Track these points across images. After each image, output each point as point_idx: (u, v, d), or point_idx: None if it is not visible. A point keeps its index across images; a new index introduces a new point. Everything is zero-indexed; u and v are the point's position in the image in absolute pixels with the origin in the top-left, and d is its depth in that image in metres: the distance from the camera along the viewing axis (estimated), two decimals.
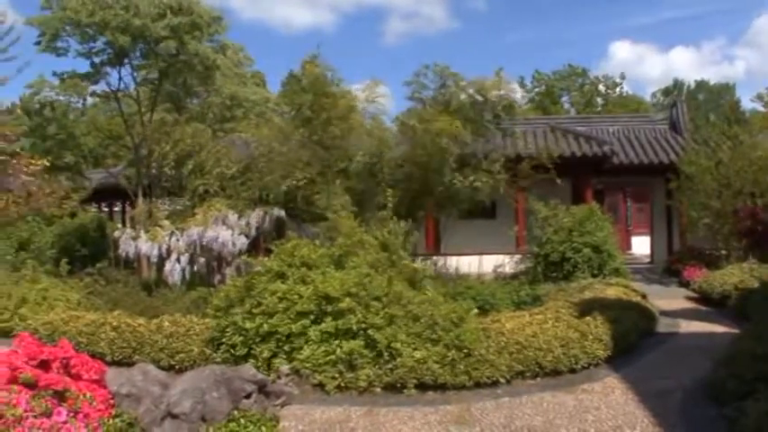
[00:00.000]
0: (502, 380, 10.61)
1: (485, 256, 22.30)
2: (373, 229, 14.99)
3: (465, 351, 10.59)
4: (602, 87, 79.45)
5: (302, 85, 21.35)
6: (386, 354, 10.55)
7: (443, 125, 19.54)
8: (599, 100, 78.01)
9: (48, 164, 14.99)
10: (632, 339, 12.82)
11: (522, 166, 21.30)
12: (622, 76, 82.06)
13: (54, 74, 31.34)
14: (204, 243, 18.03)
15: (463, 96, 21.89)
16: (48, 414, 4.21)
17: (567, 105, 77.29)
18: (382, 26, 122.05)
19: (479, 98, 21.98)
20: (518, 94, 24.07)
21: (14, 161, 14.55)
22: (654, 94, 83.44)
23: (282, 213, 19.92)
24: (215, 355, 11.57)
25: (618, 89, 79.31)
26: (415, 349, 10.56)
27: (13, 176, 15.76)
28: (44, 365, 6.43)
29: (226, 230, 18.08)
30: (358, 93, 21.61)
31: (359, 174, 20.48)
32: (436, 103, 21.73)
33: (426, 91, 22.26)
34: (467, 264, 21.57)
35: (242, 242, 18.16)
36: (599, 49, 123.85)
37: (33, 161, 15.12)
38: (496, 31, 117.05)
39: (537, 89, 78.72)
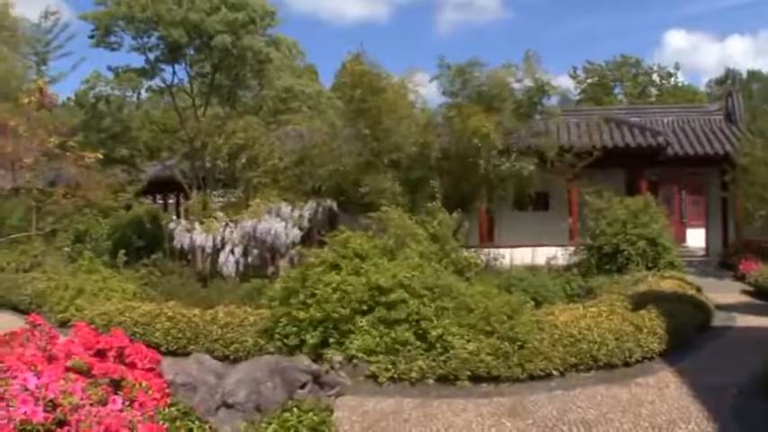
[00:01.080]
0: (555, 372, 10.57)
1: (538, 248, 22.18)
2: (424, 219, 14.96)
3: (519, 343, 10.57)
4: (655, 77, 77.97)
5: (347, 81, 21.35)
6: (437, 345, 10.55)
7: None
8: (653, 90, 76.68)
9: (101, 157, 15.18)
10: (687, 333, 12.65)
11: (572, 156, 21.03)
12: (677, 66, 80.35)
13: (109, 68, 31.72)
14: (258, 235, 18.16)
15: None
16: (104, 402, 4.24)
17: (620, 96, 76.15)
18: (435, 16, 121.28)
19: (517, 85, 21.66)
20: (569, 85, 23.51)
21: (68, 154, 14.77)
22: (708, 84, 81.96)
23: (334, 205, 19.98)
24: (269, 345, 11.66)
25: (672, 79, 77.82)
26: (468, 341, 10.57)
27: (66, 169, 16.01)
28: (100, 355, 6.49)
29: (279, 222, 18.19)
30: (407, 84, 21.52)
31: (409, 164, 20.43)
32: (473, 98, 21.41)
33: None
34: (520, 256, 21.47)
35: (295, 234, 18.26)
36: (653, 38, 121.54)
37: (87, 154, 15.34)
38: (549, 21, 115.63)
39: (589, 80, 77.65)
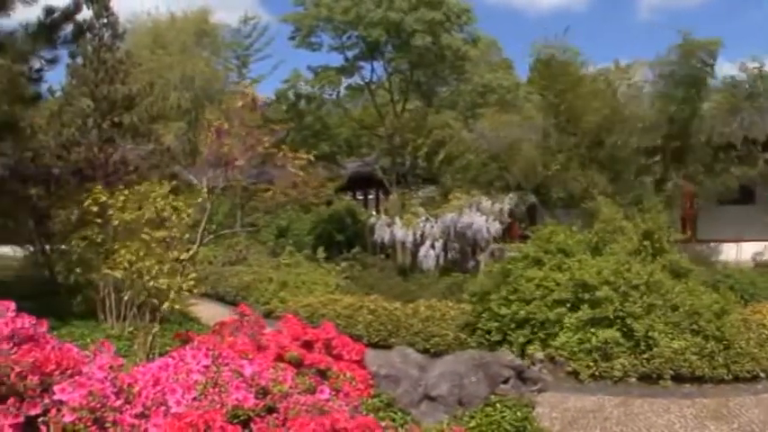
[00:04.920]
0: (762, 374, 10.11)
1: (742, 244, 21.02)
2: (632, 215, 14.41)
3: (725, 343, 10.15)
4: None
5: (544, 72, 20.97)
6: (642, 343, 10.23)
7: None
8: None
9: (312, 159, 15.65)
10: None
11: None
12: None
13: (309, 68, 32.70)
14: (458, 229, 18.15)
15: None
16: (311, 391, 4.22)
17: None
18: (635, 1, 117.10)
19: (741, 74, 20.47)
20: None
21: (280, 154, 15.25)
22: None
23: (535, 199, 19.65)
24: (469, 340, 11.61)
25: None
26: (672, 339, 10.21)
27: (279, 168, 16.50)
28: (307, 345, 6.57)
29: (479, 216, 18.08)
30: (608, 74, 20.90)
31: (612, 158, 19.81)
32: (686, 82, 20.34)
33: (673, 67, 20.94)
34: (723, 251, 20.45)
35: (495, 228, 18.10)
36: None
37: (300, 156, 15.80)
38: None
39: None
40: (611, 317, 10.54)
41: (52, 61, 14.23)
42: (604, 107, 19.84)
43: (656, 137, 19.91)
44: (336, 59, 30.79)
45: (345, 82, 33.14)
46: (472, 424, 7.11)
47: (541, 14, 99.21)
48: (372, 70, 30.14)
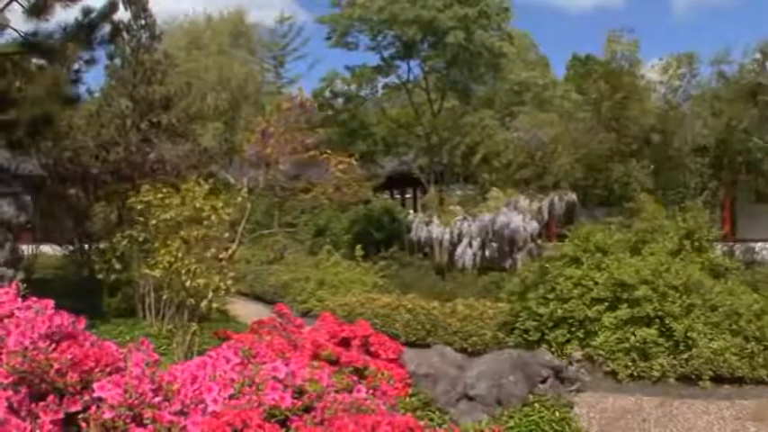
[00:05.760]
0: None
1: None
2: (673, 214, 14.28)
3: (765, 343, 10.04)
4: None
5: (589, 68, 20.87)
6: (681, 344, 10.14)
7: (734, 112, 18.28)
8: None
9: (355, 162, 15.74)
10: None
11: None
12: None
13: (346, 67, 32.78)
14: (496, 228, 18.10)
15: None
16: (348, 390, 4.23)
17: None
18: None
19: None
20: None
21: (322, 156, 15.36)
22: None
23: (573, 197, 19.54)
24: (508, 339, 11.58)
25: None
26: (711, 339, 10.11)
27: (319, 168, 16.58)
28: (344, 344, 6.58)
29: (517, 215, 18.02)
30: (649, 72, 20.77)
31: (653, 155, 19.63)
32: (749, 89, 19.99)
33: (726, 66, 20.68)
34: (761, 250, 20.17)
35: (533, 227, 18.04)
36: None
37: (344, 159, 15.88)
38: None
39: None
40: (650, 316, 10.46)
41: (90, 62, 14.39)
42: (646, 106, 19.72)
43: (708, 138, 19.68)
44: (373, 59, 30.89)
45: (382, 81, 33.22)
46: (510, 424, 7.13)
47: (579, 12, 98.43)
48: (409, 69, 30.18)
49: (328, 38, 29.35)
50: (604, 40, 21.07)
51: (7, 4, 12.58)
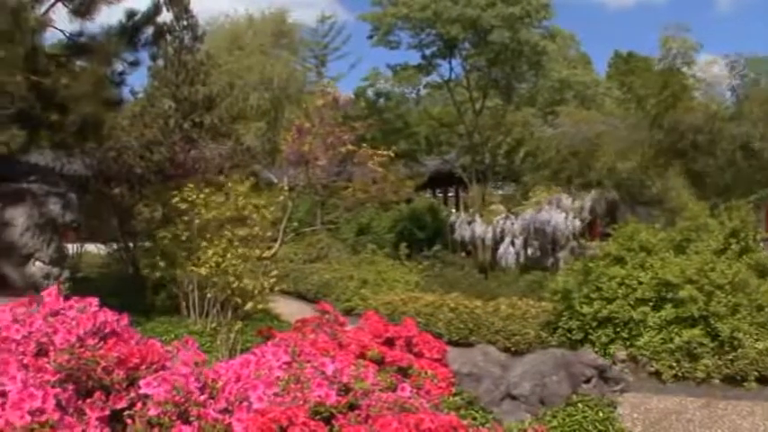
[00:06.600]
0: None
1: None
2: (718, 213, 14.10)
3: None
4: None
5: (632, 66, 20.71)
6: (727, 344, 10.01)
7: None
8: None
9: (393, 155, 15.70)
10: None
11: None
12: None
13: (388, 66, 32.83)
14: (538, 226, 18.05)
15: None
16: (393, 389, 4.23)
17: None
18: None
19: None
20: None
21: (360, 151, 15.36)
22: None
23: (616, 196, 19.38)
24: (551, 338, 11.51)
25: None
26: (757, 340, 9.98)
27: (359, 166, 16.62)
28: (388, 343, 6.58)
29: (559, 214, 17.92)
30: (694, 70, 20.55)
31: (694, 155, 19.39)
32: None
33: None
34: None
35: (576, 225, 17.94)
36: None
37: (380, 153, 15.86)
38: None
39: None
40: (695, 316, 10.32)
41: (134, 64, 14.56)
42: (690, 104, 19.52)
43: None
44: (415, 57, 30.88)
45: (424, 80, 33.19)
46: (554, 423, 7.11)
47: (620, 8, 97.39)
48: (451, 68, 30.13)
49: (370, 36, 29.40)
50: (657, 37, 20.92)
51: (53, 5, 12.73)
